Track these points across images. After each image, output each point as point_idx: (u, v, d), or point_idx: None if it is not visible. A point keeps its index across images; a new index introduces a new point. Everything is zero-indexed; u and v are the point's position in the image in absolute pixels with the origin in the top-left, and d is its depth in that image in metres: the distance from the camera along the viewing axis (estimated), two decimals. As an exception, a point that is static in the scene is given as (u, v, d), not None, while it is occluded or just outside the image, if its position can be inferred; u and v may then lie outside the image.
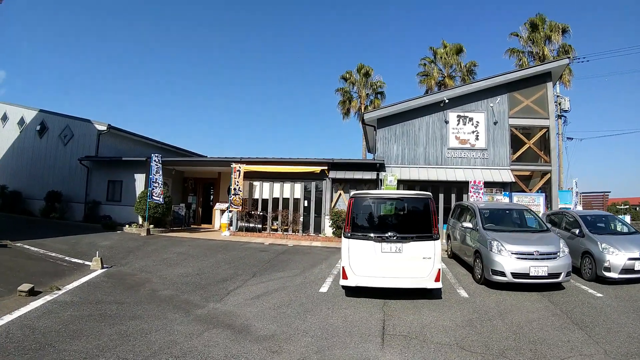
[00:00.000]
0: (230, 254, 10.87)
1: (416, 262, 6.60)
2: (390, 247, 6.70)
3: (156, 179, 14.85)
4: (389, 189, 14.70)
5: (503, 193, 15.39)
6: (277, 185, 16.42)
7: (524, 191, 16.19)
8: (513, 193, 15.50)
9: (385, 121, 16.38)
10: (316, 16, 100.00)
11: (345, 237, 6.97)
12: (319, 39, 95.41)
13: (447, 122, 16.36)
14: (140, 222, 15.88)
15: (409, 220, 7.36)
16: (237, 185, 15.68)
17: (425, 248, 6.66)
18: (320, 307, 6.33)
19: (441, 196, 15.84)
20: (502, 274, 7.49)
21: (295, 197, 16.27)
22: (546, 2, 67.01)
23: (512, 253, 7.62)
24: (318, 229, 15.96)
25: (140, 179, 17.03)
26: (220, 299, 6.58)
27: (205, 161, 16.80)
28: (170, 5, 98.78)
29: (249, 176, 16.07)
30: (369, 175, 15.58)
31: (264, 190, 16.50)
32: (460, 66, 26.91)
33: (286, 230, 15.83)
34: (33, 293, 6.18)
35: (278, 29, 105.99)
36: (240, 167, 15.74)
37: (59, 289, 6.60)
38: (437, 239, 6.77)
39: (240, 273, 8.62)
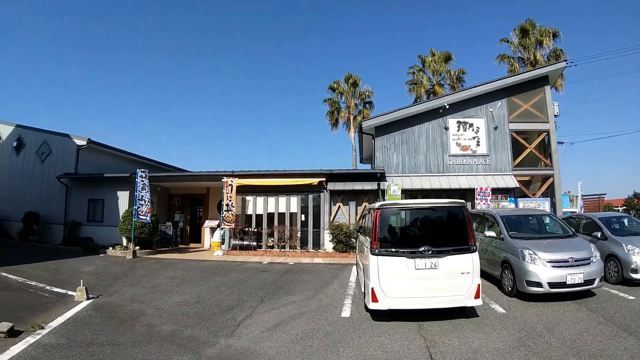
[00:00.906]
0: (229, 277, 9.84)
1: (454, 279, 5.92)
2: (424, 263, 5.96)
3: (142, 196, 13.73)
4: (392, 199, 13.96)
5: (508, 199, 14.88)
6: (271, 200, 15.47)
7: (527, 196, 15.74)
8: (518, 199, 15.02)
9: (383, 129, 15.73)
10: (301, 25, 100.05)
11: (372, 254, 6.11)
12: (305, 49, 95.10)
13: (447, 129, 15.83)
14: (125, 243, 14.66)
15: (443, 231, 6.52)
16: (230, 200, 14.67)
17: (463, 262, 5.99)
18: (349, 335, 5.46)
19: (444, 205, 15.16)
20: (538, 284, 6.94)
21: (291, 211, 15.34)
22: (533, 8, 68.59)
23: (547, 261, 7.09)
24: (317, 244, 15.04)
25: (123, 197, 15.82)
26: (232, 333, 5.60)
27: (194, 176, 15.73)
28: (152, 14, 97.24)
29: (242, 190, 15.09)
30: (370, 185, 14.83)
31: (257, 205, 15.53)
32: (450, 74, 26.72)
33: (283, 247, 14.85)
34: (13, 333, 5.17)
35: (262, 37, 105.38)
36: (232, 182, 14.76)
37: (42, 327, 5.53)
38: (475, 251, 6.09)
39: (246, 298, 7.64)
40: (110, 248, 14.27)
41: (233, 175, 15.03)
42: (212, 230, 17.56)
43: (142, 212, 13.55)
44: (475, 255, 6.07)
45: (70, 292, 7.72)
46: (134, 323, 5.98)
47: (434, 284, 5.90)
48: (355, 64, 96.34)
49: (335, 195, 15.18)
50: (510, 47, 25.43)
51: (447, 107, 15.46)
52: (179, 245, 17.63)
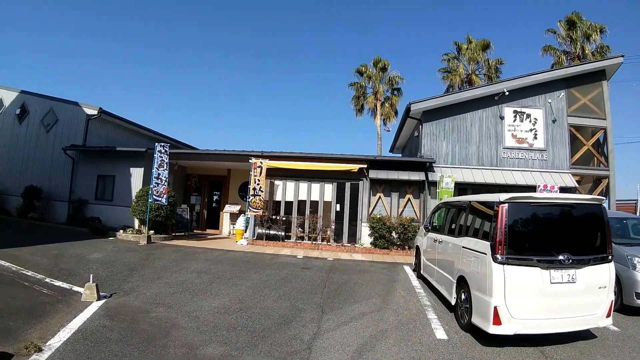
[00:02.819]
0: (267, 274, 8.19)
1: (591, 294, 4.75)
2: (561, 275, 4.63)
3: (159, 174, 12.06)
4: (445, 193, 12.26)
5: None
6: (303, 186, 13.78)
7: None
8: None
9: (433, 114, 13.98)
10: (327, 10, 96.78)
11: (496, 262, 4.60)
12: (330, 35, 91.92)
13: (502, 118, 14.07)
14: (137, 226, 13.04)
15: (581, 235, 4.96)
16: (258, 184, 13.00)
17: (601, 274, 4.82)
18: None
19: (496, 203, 13.46)
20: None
21: (325, 199, 13.65)
22: (576, 2, 65.03)
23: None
24: (353, 238, 13.38)
25: (137, 175, 14.16)
26: (306, 362, 3.96)
27: (218, 155, 13.98)
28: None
29: (270, 174, 13.39)
30: (416, 176, 13.11)
31: (287, 191, 13.84)
32: (488, 63, 24.76)
33: (315, 239, 13.20)
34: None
35: (287, 18, 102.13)
36: (262, 163, 13.06)
37: (40, 350, 3.83)
38: (612, 260, 4.92)
39: (301, 306, 5.99)
40: (121, 231, 12.65)
41: (263, 156, 13.34)
42: (232, 216, 15.98)
43: (157, 192, 11.90)
44: (612, 265, 4.90)
45: (75, 288, 6.12)
46: (167, 341, 4.31)
47: (570, 301, 4.65)
48: (383, 49, 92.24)
49: (376, 185, 13.48)
50: (556, 38, 23.49)
51: (507, 93, 13.70)
52: (194, 231, 16.03)
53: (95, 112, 15.35)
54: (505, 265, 4.55)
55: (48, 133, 16.21)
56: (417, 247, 8.97)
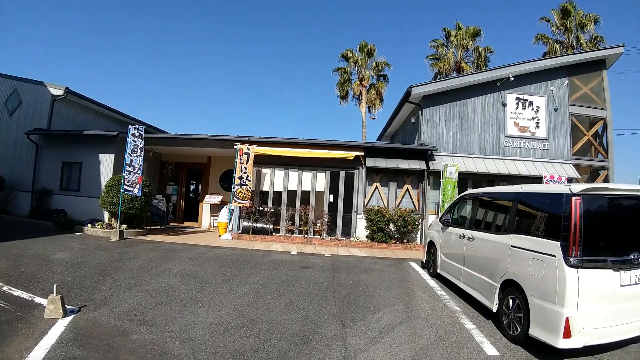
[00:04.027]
0: (263, 275, 7.07)
1: None
2: (630, 277, 4.04)
3: (131, 160, 10.65)
4: (449, 183, 11.41)
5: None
6: (293, 174, 12.62)
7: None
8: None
9: (433, 99, 13.06)
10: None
11: (569, 265, 3.87)
12: (314, 19, 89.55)
13: (504, 105, 13.32)
14: (107, 219, 11.60)
15: None
16: (245, 172, 11.76)
17: None
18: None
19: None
20: None
21: (317, 190, 12.56)
22: None
23: None
24: (347, 231, 12.38)
25: (107, 161, 12.61)
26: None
27: (200, 139, 12.53)
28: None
29: (257, 162, 12.15)
30: (416, 165, 12.19)
31: (276, 181, 12.65)
32: (478, 50, 24.08)
33: (306, 232, 12.12)
34: None
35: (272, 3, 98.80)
36: (249, 149, 11.82)
37: None
38: None
39: (315, 318, 4.92)
40: (89, 225, 11.17)
41: (250, 141, 12.08)
42: (213, 207, 14.70)
43: (130, 181, 10.50)
44: None
45: (37, 300, 4.88)
46: (156, 380, 3.16)
47: (637, 305, 4.11)
48: (369, 35, 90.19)
49: (373, 174, 12.49)
50: (550, 27, 23.05)
51: (512, 78, 12.96)
52: (171, 224, 14.65)
53: (61, 92, 13.66)
54: (579, 269, 3.84)
55: (11, 116, 14.38)
56: (430, 243, 8.06)
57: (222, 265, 7.62)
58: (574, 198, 3.97)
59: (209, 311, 4.91)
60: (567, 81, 13.56)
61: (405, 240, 11.87)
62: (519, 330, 4.37)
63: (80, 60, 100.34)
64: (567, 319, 3.75)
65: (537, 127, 13.42)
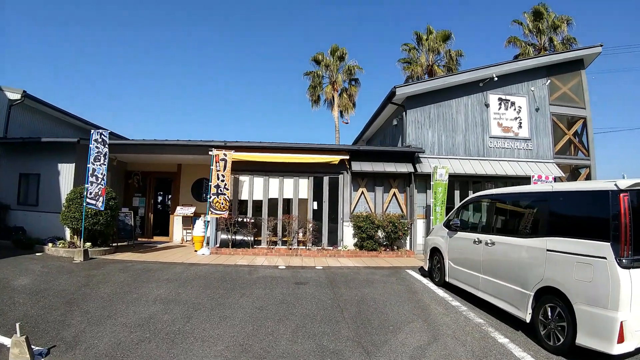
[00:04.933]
0: (256, 296, 6.21)
1: None
2: None
3: (94, 170, 9.50)
4: (439, 186, 10.95)
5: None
6: (274, 181, 11.78)
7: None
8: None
9: (417, 100, 12.64)
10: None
11: (622, 266, 3.60)
12: (284, 23, 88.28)
13: (487, 106, 13.11)
14: (69, 237, 10.32)
15: None
16: (223, 180, 10.83)
17: None
18: None
19: (484, 196, 12.50)
20: None
21: (300, 197, 11.77)
22: None
23: None
24: (334, 240, 11.66)
25: (67, 172, 11.27)
26: None
27: (171, 145, 11.35)
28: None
29: (234, 168, 11.22)
30: (404, 168, 11.68)
31: (255, 189, 11.76)
32: (450, 54, 24.17)
33: (290, 243, 11.31)
34: None
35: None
36: (226, 155, 10.90)
37: None
38: None
39: (332, 346, 4.16)
40: (50, 244, 9.88)
41: (226, 146, 11.17)
42: (186, 219, 13.63)
43: (93, 193, 9.34)
44: None
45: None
46: None
47: None
48: (340, 40, 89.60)
49: (358, 179, 11.86)
50: (522, 29, 23.49)
51: (496, 78, 12.77)
52: (139, 239, 13.41)
53: (18, 96, 12.22)
54: (631, 270, 3.58)
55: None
56: (434, 249, 7.49)
57: (207, 286, 6.70)
58: (621, 195, 3.70)
59: (204, 347, 4.04)
60: (549, 81, 13.56)
61: (395, 247, 11.30)
62: (562, 340, 4.02)
63: (34, 66, 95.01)
64: (621, 323, 3.51)
65: (520, 127, 13.29)
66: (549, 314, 4.24)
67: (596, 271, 3.75)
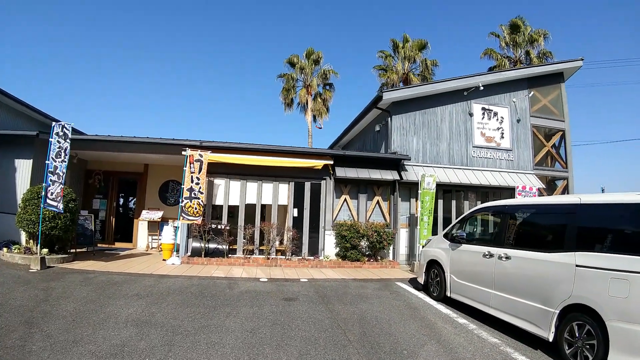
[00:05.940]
0: (242, 314, 5.48)
1: None
2: None
3: (55, 167, 8.45)
4: (427, 195, 10.61)
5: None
6: (252, 186, 11.02)
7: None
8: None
9: (403, 106, 12.31)
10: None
11: None
12: (258, 24, 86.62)
13: (471, 115, 13.00)
14: (25, 242, 9.12)
15: None
16: (197, 183, 9.99)
17: None
18: None
19: (466, 204, 12.36)
20: None
21: (280, 203, 11.09)
22: (518, 10, 67.52)
23: None
24: (315, 250, 11.03)
25: (24, 168, 10.01)
26: None
27: (140, 143, 10.27)
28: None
29: (209, 171, 10.36)
30: (389, 175, 11.28)
31: (231, 193, 10.95)
32: (425, 63, 24.25)
33: (269, 252, 10.58)
34: None
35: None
36: (202, 156, 10.06)
37: None
38: None
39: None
40: (5, 249, 8.70)
41: (202, 147, 10.33)
42: (152, 225, 12.60)
43: (53, 194, 8.29)
44: None
45: None
46: None
47: None
48: (315, 41, 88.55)
49: (341, 185, 11.33)
50: (499, 42, 23.93)
51: (482, 88, 12.70)
52: (99, 245, 12.23)
53: None
54: None
55: None
56: (432, 262, 7.05)
57: (185, 304, 5.89)
58: None
59: (194, 385, 3.31)
60: (532, 92, 13.67)
61: (378, 258, 10.83)
62: (591, 358, 3.77)
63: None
64: None
65: (502, 137, 13.27)
66: (576, 331, 3.95)
67: (633, 286, 3.50)
